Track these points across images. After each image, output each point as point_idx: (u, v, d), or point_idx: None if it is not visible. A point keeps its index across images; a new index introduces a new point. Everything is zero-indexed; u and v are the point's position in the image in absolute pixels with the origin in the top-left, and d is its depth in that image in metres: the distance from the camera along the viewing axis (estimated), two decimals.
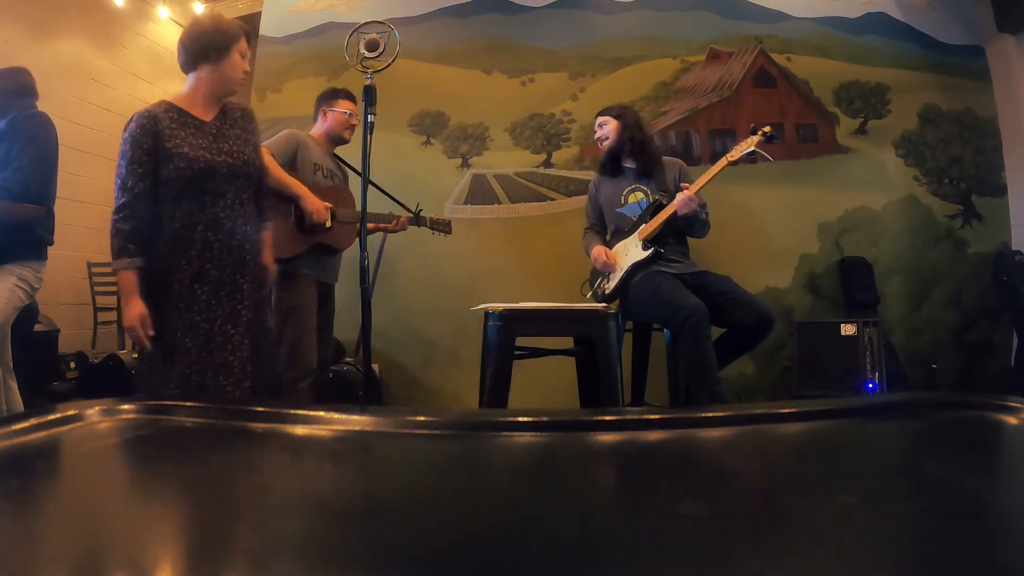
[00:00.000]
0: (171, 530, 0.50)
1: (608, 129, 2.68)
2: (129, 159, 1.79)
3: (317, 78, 4.03)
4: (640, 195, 2.61)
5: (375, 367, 3.59)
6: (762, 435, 0.81)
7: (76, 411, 0.77)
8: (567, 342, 2.60)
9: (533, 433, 0.80)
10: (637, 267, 2.51)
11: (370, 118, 2.07)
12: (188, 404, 0.88)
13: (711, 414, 0.90)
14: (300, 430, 0.80)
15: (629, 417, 0.91)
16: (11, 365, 2.36)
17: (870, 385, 3.10)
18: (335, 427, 0.80)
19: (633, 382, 2.70)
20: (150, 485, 0.64)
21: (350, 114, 2.63)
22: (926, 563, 0.43)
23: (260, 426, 0.81)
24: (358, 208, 2.30)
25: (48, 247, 2.40)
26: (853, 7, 3.92)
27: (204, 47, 1.92)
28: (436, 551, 0.46)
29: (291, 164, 2.45)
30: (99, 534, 0.48)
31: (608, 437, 0.82)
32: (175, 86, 6.01)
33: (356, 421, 0.82)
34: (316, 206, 2.41)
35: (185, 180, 1.82)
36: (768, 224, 3.70)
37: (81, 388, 3.71)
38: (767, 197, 3.71)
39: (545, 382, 2.85)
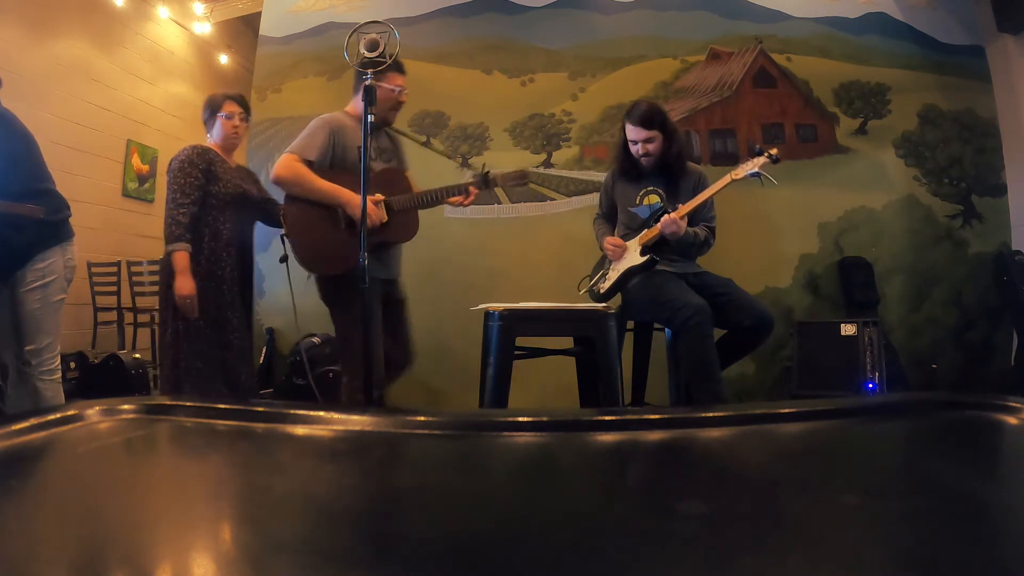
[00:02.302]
0: (171, 530, 0.50)
1: (654, 146, 2.51)
2: (187, 174, 2.36)
3: (317, 78, 4.03)
4: (656, 198, 2.57)
5: None
6: (762, 435, 0.80)
7: (76, 411, 0.77)
8: (567, 342, 2.60)
9: (533, 433, 0.80)
10: (632, 271, 2.50)
11: (370, 118, 2.06)
12: (188, 404, 0.88)
13: (711, 414, 0.90)
14: (300, 430, 0.80)
15: (629, 417, 0.91)
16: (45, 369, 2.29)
17: (870, 385, 3.10)
18: (335, 427, 0.80)
19: (633, 382, 2.70)
20: (150, 485, 0.64)
21: (398, 90, 2.34)
22: (926, 563, 0.43)
23: (260, 426, 0.81)
24: (420, 186, 2.27)
25: (67, 220, 2.34)
26: (853, 7, 3.93)
27: (205, 118, 2.53)
28: (436, 551, 0.46)
29: (331, 156, 2.28)
30: (99, 534, 0.48)
31: (608, 437, 0.82)
32: (175, 86, 6.05)
33: (356, 421, 0.82)
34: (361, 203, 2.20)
35: (230, 196, 2.43)
36: (768, 224, 3.70)
37: (81, 388, 3.71)
38: (767, 197, 3.71)
39: (545, 382, 2.85)
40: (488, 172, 2.43)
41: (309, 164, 2.23)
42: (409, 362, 2.52)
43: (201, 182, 2.37)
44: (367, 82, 2.00)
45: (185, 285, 2.29)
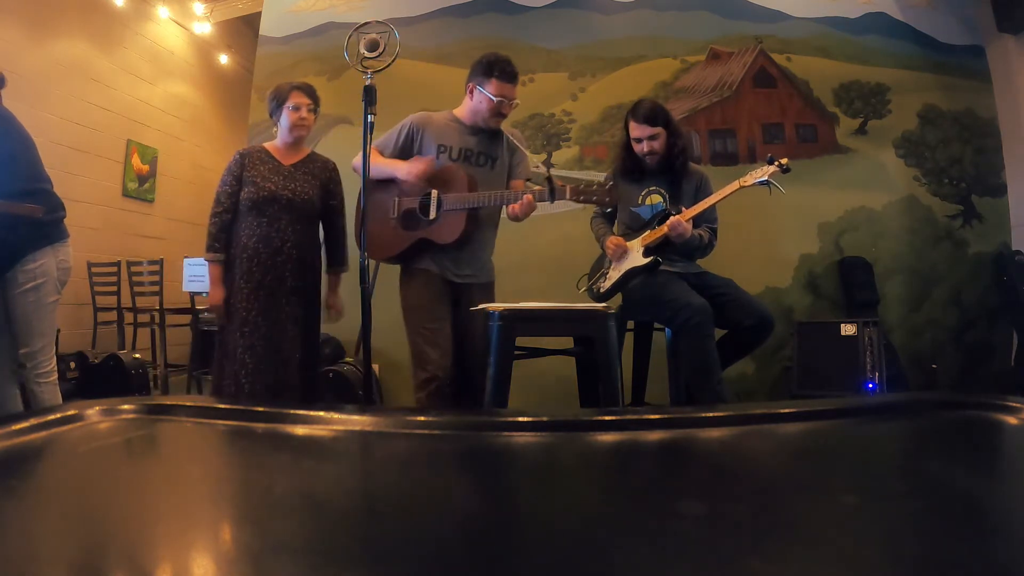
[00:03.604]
0: (171, 530, 0.50)
1: (659, 143, 2.51)
2: (223, 182, 2.42)
3: (317, 78, 4.03)
4: (658, 198, 2.56)
5: (375, 367, 3.58)
6: (762, 435, 0.80)
7: (76, 411, 0.77)
8: (567, 342, 2.60)
9: (533, 433, 0.80)
10: (634, 272, 2.49)
11: (370, 118, 2.06)
12: (188, 404, 0.88)
13: (711, 414, 0.90)
14: (300, 430, 0.80)
15: (629, 417, 0.91)
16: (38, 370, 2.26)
17: (870, 385, 3.10)
18: (335, 427, 0.80)
19: (633, 382, 2.70)
20: (150, 485, 0.64)
21: (499, 101, 2.21)
22: (926, 563, 0.43)
23: (260, 426, 0.81)
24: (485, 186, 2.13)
25: (62, 220, 2.30)
26: (853, 7, 3.93)
27: (270, 112, 2.49)
28: (436, 551, 0.46)
29: (409, 150, 2.28)
30: (99, 534, 0.48)
31: (608, 437, 0.82)
32: (175, 86, 6.05)
33: (356, 421, 0.82)
34: (406, 169, 2.17)
35: (251, 201, 2.38)
36: (768, 224, 3.70)
37: (81, 388, 3.71)
38: (767, 197, 3.70)
39: (545, 382, 2.85)
40: (552, 178, 2.08)
41: (390, 157, 2.28)
42: (471, 370, 2.31)
43: (235, 189, 2.40)
44: (367, 82, 2.00)
45: (212, 296, 2.39)
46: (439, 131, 2.28)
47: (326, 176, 2.52)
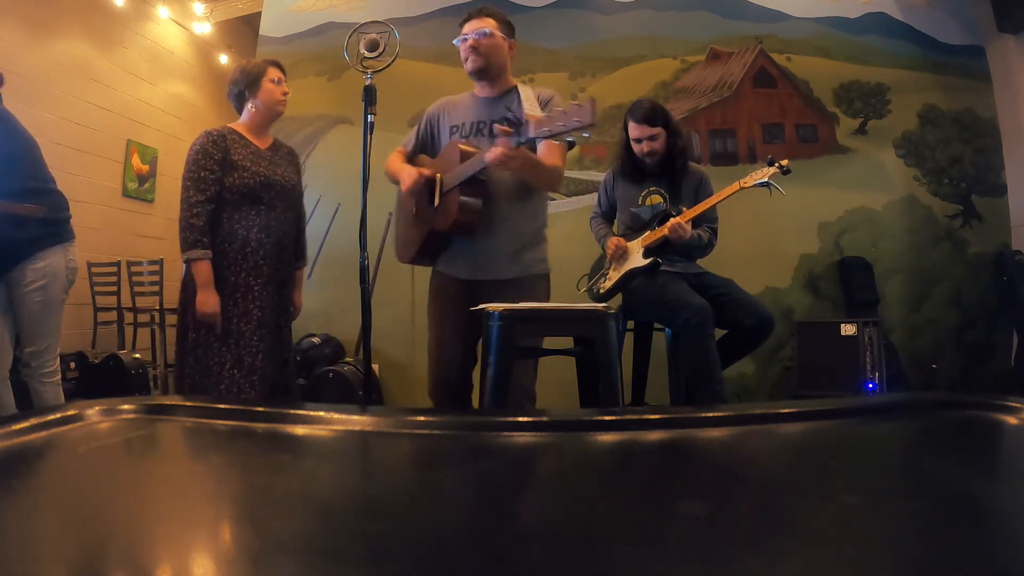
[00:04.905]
0: (171, 530, 0.50)
1: (658, 143, 2.50)
2: (201, 166, 2.09)
3: (317, 78, 4.03)
4: (659, 199, 2.56)
5: (375, 367, 3.58)
6: (762, 435, 0.81)
7: (76, 411, 0.77)
8: (567, 342, 2.60)
9: (533, 433, 0.80)
10: (634, 273, 2.49)
11: (370, 118, 2.05)
12: (188, 404, 0.88)
13: (711, 414, 0.90)
14: (300, 430, 0.80)
15: (629, 417, 0.91)
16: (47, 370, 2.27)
17: (870, 385, 3.10)
18: (335, 427, 0.80)
19: (633, 382, 2.70)
20: (150, 485, 0.64)
21: (464, 37, 2.00)
22: (926, 563, 0.43)
23: (260, 426, 0.81)
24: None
25: (69, 220, 2.31)
26: (853, 7, 3.93)
27: (240, 89, 2.23)
28: (436, 551, 0.46)
29: (430, 141, 2.15)
30: (99, 534, 0.48)
31: (608, 437, 0.82)
32: (175, 86, 6.03)
33: (356, 421, 0.82)
34: (405, 177, 2.01)
35: (247, 188, 2.13)
36: (768, 224, 3.70)
37: (81, 388, 3.71)
38: (767, 197, 3.70)
39: (545, 382, 2.84)
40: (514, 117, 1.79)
41: (410, 153, 2.18)
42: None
43: (218, 175, 2.10)
44: (367, 82, 1.99)
45: (208, 301, 2.03)
46: (454, 111, 2.11)
47: (296, 162, 2.37)
